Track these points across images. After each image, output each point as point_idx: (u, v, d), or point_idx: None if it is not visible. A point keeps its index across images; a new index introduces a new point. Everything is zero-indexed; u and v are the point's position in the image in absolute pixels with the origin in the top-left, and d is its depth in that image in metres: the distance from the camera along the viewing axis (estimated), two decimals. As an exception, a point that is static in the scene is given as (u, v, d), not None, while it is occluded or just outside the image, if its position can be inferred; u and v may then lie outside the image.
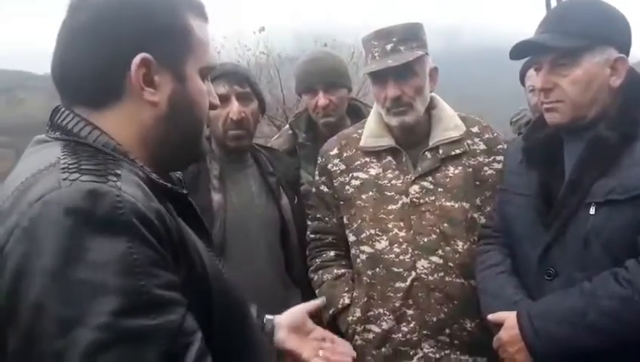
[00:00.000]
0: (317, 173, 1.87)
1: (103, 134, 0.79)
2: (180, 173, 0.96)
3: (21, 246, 0.65)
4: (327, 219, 1.84)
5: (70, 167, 0.71)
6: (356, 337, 1.72)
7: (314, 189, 1.88)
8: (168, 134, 0.84)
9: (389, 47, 1.61)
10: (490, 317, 1.42)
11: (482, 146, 1.71)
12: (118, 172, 0.72)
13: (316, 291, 1.82)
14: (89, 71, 0.80)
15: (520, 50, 1.38)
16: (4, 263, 0.65)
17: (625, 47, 1.33)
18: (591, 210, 1.26)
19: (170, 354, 0.65)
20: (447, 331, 1.63)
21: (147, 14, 0.81)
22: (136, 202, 0.69)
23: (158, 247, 0.69)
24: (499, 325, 1.38)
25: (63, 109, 0.82)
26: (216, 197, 1.76)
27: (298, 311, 1.17)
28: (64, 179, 0.69)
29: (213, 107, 0.92)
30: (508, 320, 1.35)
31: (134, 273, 0.65)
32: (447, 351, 1.63)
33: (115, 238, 0.65)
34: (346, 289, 1.77)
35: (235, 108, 1.76)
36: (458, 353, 1.63)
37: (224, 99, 1.77)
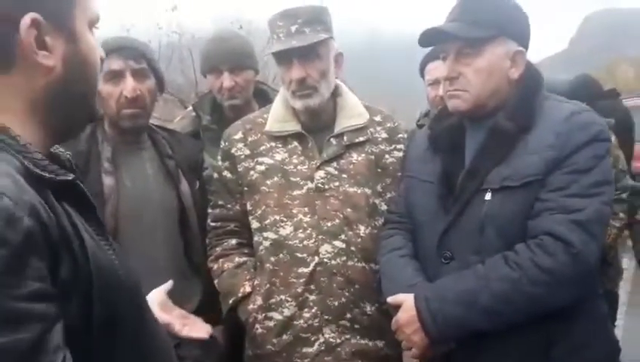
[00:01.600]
0: (220, 157, 1.80)
1: None
2: (69, 153, 0.88)
3: None
4: (229, 206, 1.78)
5: None
6: (257, 326, 1.69)
7: (216, 175, 1.81)
8: (64, 98, 0.78)
9: (293, 28, 1.58)
10: (389, 299, 1.44)
11: (384, 135, 1.74)
12: None
13: (215, 281, 1.76)
14: None
15: (429, 38, 1.41)
16: None
17: (524, 41, 1.39)
18: (487, 195, 1.31)
19: None
20: (348, 315, 1.64)
21: None
22: (1, 196, 0.61)
23: (24, 250, 0.61)
24: (397, 307, 1.40)
25: None
26: (107, 180, 1.65)
27: (161, 291, 1.23)
28: None
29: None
30: (406, 302, 1.37)
31: None
32: (347, 336, 1.64)
33: None
34: (247, 277, 1.72)
35: (129, 85, 1.64)
36: (358, 337, 1.65)
37: (118, 76, 1.66)
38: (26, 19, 0.72)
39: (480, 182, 1.33)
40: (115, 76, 1.65)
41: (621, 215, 2.77)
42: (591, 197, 1.25)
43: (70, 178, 0.76)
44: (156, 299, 1.18)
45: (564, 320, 1.28)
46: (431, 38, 1.42)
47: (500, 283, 1.25)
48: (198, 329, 1.22)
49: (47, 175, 0.72)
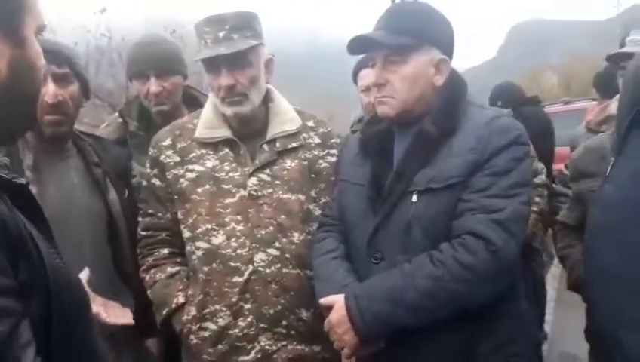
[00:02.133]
0: (148, 165, 1.75)
1: None
2: (6, 159, 0.88)
3: None
4: (159, 214, 1.73)
5: None
6: (191, 336, 1.65)
7: (145, 182, 1.76)
8: (7, 103, 0.75)
9: (221, 34, 1.56)
10: (321, 300, 1.45)
11: (317, 140, 1.75)
12: None
13: (148, 291, 1.71)
14: None
15: (358, 45, 1.44)
16: None
17: (448, 49, 1.45)
18: (413, 197, 1.35)
19: None
20: (284, 322, 1.63)
21: None
22: None
23: None
24: (330, 308, 1.42)
25: None
26: None
27: (82, 279, 1.26)
28: None
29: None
30: (337, 302, 1.39)
31: None
32: (283, 343, 1.63)
33: None
34: (181, 287, 1.68)
35: (50, 90, 1.58)
36: (294, 343, 1.65)
37: None
38: None
39: (407, 185, 1.37)
40: None
41: (537, 199, 2.88)
42: (510, 198, 1.31)
43: (24, 182, 0.75)
44: None
45: (488, 318, 1.34)
46: (359, 46, 1.45)
47: (425, 281, 1.29)
48: (121, 315, 1.27)
49: (5, 176, 0.71)
